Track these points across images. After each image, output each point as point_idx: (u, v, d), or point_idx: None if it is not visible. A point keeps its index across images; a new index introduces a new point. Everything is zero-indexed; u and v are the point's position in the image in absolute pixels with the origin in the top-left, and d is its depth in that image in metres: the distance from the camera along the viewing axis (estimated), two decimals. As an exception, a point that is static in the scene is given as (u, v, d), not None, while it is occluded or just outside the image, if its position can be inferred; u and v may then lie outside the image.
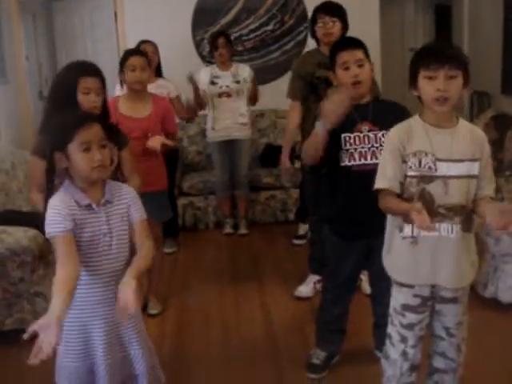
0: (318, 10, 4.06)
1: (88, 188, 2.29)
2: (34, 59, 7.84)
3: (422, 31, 9.03)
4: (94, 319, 2.31)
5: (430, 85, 2.32)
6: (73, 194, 2.25)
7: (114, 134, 2.95)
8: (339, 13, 4.01)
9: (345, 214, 3.07)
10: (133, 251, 2.43)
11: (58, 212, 2.20)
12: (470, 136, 2.42)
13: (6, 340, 3.49)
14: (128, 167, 3.07)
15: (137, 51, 4.12)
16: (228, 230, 5.99)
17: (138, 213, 2.41)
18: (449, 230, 2.39)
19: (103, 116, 2.93)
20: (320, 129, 2.87)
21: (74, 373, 2.33)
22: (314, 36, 4.18)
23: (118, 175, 2.88)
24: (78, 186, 2.28)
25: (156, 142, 3.76)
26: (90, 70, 2.93)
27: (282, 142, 4.69)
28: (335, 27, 3.96)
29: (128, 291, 2.15)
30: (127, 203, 2.38)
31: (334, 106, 2.81)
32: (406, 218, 2.36)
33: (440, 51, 2.36)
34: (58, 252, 2.19)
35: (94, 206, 2.26)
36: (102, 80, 2.93)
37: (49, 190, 2.30)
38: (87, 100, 2.83)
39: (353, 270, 3.21)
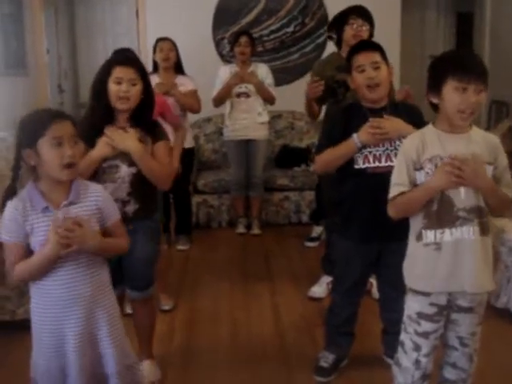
0: (352, 11, 4.05)
1: (52, 189, 2.25)
2: (55, 52, 7.88)
3: (442, 38, 9.00)
4: (66, 318, 2.27)
5: (460, 96, 2.29)
6: (31, 197, 2.22)
7: (151, 127, 2.96)
8: (370, 19, 4.03)
9: (357, 216, 3.07)
10: None
11: (11, 219, 2.20)
12: (483, 141, 2.41)
13: (19, 329, 3.50)
14: (158, 158, 2.94)
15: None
16: (241, 229, 6.00)
17: (112, 214, 2.41)
18: (469, 232, 2.38)
19: (142, 107, 2.91)
20: (356, 142, 2.92)
21: (47, 372, 2.31)
22: (338, 37, 4.16)
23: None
24: (42, 188, 2.24)
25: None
26: (123, 59, 2.92)
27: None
28: (365, 32, 3.96)
29: None
30: (96, 204, 2.33)
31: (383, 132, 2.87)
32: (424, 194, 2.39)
33: (472, 64, 2.35)
34: (8, 256, 2.23)
35: (51, 208, 2.22)
36: (140, 70, 2.88)
37: (11, 188, 2.27)
38: (118, 90, 2.80)
39: (362, 274, 3.21)
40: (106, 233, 2.38)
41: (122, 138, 2.82)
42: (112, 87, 2.83)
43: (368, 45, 3.16)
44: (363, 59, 2.99)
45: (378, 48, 3.05)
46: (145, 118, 2.94)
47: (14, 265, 2.22)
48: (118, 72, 2.82)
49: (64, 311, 2.27)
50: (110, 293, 2.44)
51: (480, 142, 2.40)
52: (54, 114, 2.25)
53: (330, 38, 4.58)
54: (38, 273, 2.23)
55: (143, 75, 2.90)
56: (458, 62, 2.38)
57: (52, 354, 2.29)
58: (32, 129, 2.19)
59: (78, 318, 2.28)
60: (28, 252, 2.23)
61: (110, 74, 2.83)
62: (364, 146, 2.93)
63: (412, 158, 2.41)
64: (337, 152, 2.99)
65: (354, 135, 2.92)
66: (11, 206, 2.22)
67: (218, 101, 5.65)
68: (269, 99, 5.70)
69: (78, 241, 2.18)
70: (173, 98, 4.94)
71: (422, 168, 2.40)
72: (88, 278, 2.30)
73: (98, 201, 2.35)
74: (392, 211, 2.50)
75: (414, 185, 2.42)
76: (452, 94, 2.32)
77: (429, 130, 2.45)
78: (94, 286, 2.33)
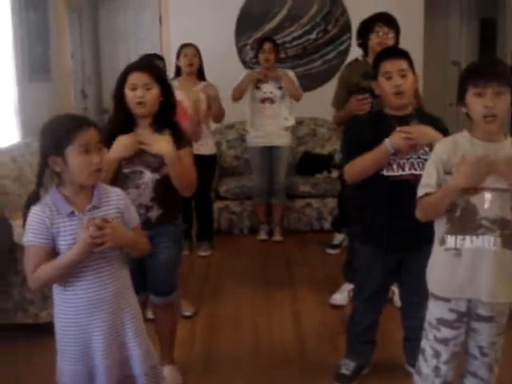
0: (378, 18, 4.07)
1: (76, 194, 2.28)
2: (79, 58, 7.94)
3: (465, 44, 8.95)
4: (93, 321, 2.29)
5: (478, 102, 2.32)
6: (55, 201, 2.24)
7: (175, 132, 2.97)
8: (396, 26, 4.04)
9: (379, 224, 3.07)
10: None
11: (39, 222, 2.21)
12: None
13: (42, 332, 3.53)
14: (183, 163, 2.95)
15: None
16: (262, 236, 6.00)
17: (133, 218, 2.43)
18: (490, 242, 2.37)
19: (163, 112, 2.95)
20: (388, 146, 2.90)
21: (74, 375, 2.32)
22: (363, 45, 4.18)
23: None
24: (65, 192, 2.27)
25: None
26: (137, 65, 2.97)
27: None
28: (391, 39, 3.97)
29: None
30: (118, 208, 2.36)
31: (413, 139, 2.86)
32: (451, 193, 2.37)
33: (487, 68, 2.38)
34: (30, 259, 2.23)
35: (76, 213, 2.25)
36: (154, 74, 2.91)
37: (35, 194, 2.29)
38: (133, 96, 2.85)
39: (383, 281, 3.20)
40: None
41: (157, 139, 2.85)
42: (128, 94, 2.88)
43: (396, 52, 3.16)
44: (390, 66, 2.99)
45: (405, 56, 3.06)
46: (167, 121, 2.97)
47: (35, 268, 2.21)
48: (133, 78, 2.87)
49: (88, 316, 2.29)
50: (131, 295, 2.46)
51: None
52: (79, 121, 2.27)
53: (360, 45, 4.59)
54: (61, 275, 2.24)
55: (159, 78, 2.93)
56: (474, 68, 2.44)
57: (78, 358, 2.31)
58: (58, 137, 2.21)
59: (103, 321, 2.30)
60: (52, 256, 2.24)
61: (126, 80, 2.89)
62: (394, 153, 2.93)
63: (442, 159, 2.41)
64: (369, 158, 2.96)
65: (386, 140, 2.90)
66: (37, 209, 2.24)
67: (237, 93, 5.60)
68: (295, 94, 5.64)
69: (111, 237, 2.20)
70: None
71: (450, 172, 2.39)
72: (109, 281, 2.32)
73: (119, 204, 2.37)
74: (419, 213, 2.50)
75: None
76: (472, 101, 2.35)
77: (463, 135, 2.45)
78: (116, 288, 2.35)
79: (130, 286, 2.47)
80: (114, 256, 2.35)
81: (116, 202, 2.37)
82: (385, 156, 2.92)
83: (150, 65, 3.04)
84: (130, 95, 2.87)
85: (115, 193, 2.41)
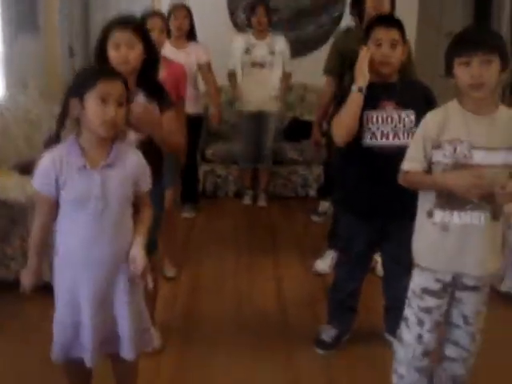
0: None
1: (93, 147, 2.25)
2: (66, 13, 7.80)
3: (460, 16, 8.87)
4: (83, 279, 2.28)
5: (465, 71, 2.28)
6: (70, 151, 2.22)
7: (158, 93, 2.87)
8: None
9: (361, 192, 3.06)
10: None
11: (47, 172, 2.21)
12: (509, 123, 2.37)
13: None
14: (167, 128, 2.85)
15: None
16: (247, 201, 6.00)
17: (145, 183, 2.39)
18: (480, 218, 2.36)
19: (146, 70, 2.84)
20: (355, 93, 2.89)
21: (63, 327, 2.34)
22: (358, 9, 4.12)
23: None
24: (83, 144, 2.25)
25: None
26: (120, 22, 2.81)
27: (315, 116, 4.69)
28: (386, 3, 3.91)
29: (135, 249, 2.30)
30: (133, 170, 2.33)
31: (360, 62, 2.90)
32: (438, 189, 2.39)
33: (472, 37, 2.35)
34: (37, 203, 2.32)
35: (88, 167, 2.22)
36: (137, 30, 2.78)
37: (54, 137, 2.28)
38: (117, 55, 2.73)
39: (365, 249, 3.20)
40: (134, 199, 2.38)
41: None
42: (111, 53, 2.75)
43: (390, 20, 3.11)
44: (383, 34, 2.95)
45: (399, 25, 3.01)
46: (149, 78, 2.89)
47: (38, 215, 2.31)
48: (115, 37, 2.74)
49: (82, 272, 2.27)
50: None
51: (507, 123, 2.37)
52: (108, 72, 2.30)
53: (353, 13, 4.52)
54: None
55: (142, 35, 2.81)
56: (460, 38, 2.38)
57: (68, 311, 2.32)
58: (84, 80, 2.23)
59: (94, 279, 2.28)
60: (56, 207, 2.26)
61: (108, 38, 2.76)
62: (372, 123, 2.92)
63: (431, 136, 2.38)
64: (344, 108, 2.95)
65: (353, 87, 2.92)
66: (49, 158, 2.22)
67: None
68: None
69: None
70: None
71: (439, 147, 2.37)
72: (110, 240, 2.29)
73: (133, 166, 2.33)
74: (403, 183, 2.51)
75: (428, 162, 2.40)
76: (458, 71, 2.32)
77: (453, 108, 2.41)
78: (116, 248, 2.31)
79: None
80: (125, 211, 2.34)
81: (131, 163, 2.33)
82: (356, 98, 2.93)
83: (133, 21, 2.92)
84: (112, 54, 2.74)
85: (132, 154, 2.37)
